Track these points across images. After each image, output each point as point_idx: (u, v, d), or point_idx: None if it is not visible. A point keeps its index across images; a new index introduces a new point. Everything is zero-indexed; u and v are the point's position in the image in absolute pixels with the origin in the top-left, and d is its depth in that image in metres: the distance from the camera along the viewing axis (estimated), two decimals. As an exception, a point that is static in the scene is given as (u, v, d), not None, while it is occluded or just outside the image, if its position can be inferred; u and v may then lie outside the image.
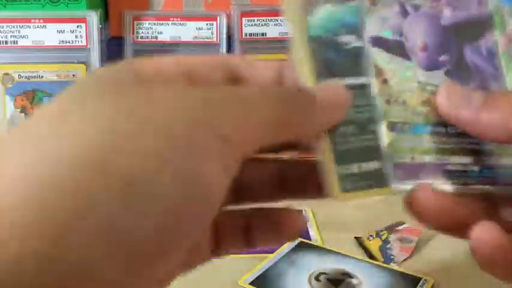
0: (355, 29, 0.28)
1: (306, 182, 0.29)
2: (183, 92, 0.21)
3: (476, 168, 0.28)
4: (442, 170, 0.28)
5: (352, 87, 0.27)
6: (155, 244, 0.19)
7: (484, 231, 0.25)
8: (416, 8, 0.29)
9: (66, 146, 0.18)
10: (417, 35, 0.29)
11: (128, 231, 0.18)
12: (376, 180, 0.27)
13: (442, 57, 0.28)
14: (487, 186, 0.28)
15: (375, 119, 0.28)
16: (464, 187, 0.28)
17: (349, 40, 0.28)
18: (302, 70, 0.27)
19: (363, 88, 0.28)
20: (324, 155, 0.27)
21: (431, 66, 0.28)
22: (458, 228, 0.26)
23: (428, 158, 0.28)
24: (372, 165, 0.28)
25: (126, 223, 0.18)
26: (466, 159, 0.28)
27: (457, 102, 0.26)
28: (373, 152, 0.28)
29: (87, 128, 0.19)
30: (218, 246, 0.28)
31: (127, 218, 0.18)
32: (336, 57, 0.27)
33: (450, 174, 0.28)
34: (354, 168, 0.27)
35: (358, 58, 0.28)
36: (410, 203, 0.26)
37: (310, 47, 0.27)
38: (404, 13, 0.29)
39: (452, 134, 0.28)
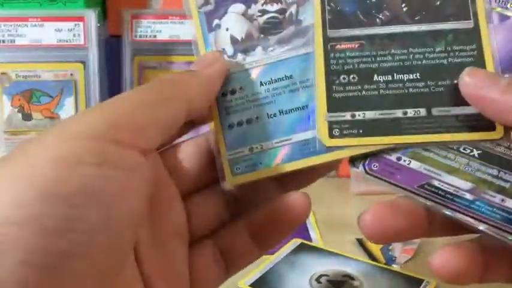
0: None
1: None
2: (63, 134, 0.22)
3: (469, 197, 0.25)
4: (425, 181, 0.25)
5: (361, 38, 0.27)
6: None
7: (443, 259, 0.25)
8: (503, 18, 0.27)
9: None
10: None
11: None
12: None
13: (506, 76, 0.26)
14: (471, 220, 0.25)
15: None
16: (440, 207, 0.25)
17: None
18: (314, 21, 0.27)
19: (372, 39, 0.27)
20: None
21: None
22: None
23: (417, 165, 0.26)
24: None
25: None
26: (464, 184, 0.25)
27: (482, 82, 0.25)
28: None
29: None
30: (229, 264, 0.29)
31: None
32: (351, 7, 0.27)
33: (433, 190, 0.25)
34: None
35: (373, 9, 0.27)
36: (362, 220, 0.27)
37: None
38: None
39: (466, 155, 0.26)
